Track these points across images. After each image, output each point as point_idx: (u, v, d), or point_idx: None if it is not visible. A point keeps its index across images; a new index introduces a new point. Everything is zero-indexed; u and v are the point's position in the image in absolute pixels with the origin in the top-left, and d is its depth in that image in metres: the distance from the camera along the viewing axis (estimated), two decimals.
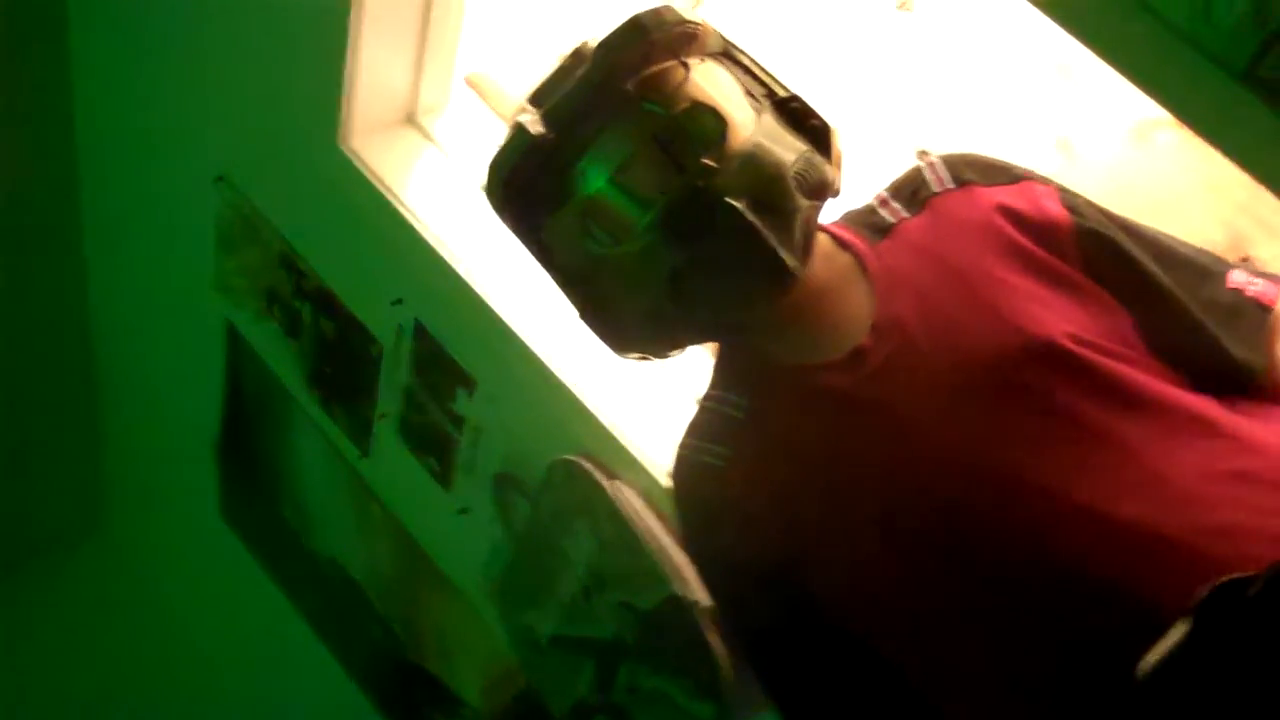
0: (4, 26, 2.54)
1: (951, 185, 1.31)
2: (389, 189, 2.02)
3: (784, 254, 1.18)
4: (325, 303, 2.35)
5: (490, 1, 2.08)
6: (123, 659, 3.63)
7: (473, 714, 2.60)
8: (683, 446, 1.35)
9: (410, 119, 2.10)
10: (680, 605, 1.76)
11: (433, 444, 2.26)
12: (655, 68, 1.20)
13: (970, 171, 1.31)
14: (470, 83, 2.13)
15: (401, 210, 2.00)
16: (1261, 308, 1.26)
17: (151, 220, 2.79)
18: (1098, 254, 1.25)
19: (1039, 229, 1.25)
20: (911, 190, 1.32)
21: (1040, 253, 1.24)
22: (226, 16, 2.19)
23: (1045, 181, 1.30)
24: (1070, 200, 1.28)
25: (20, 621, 3.63)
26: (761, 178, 1.18)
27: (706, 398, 1.35)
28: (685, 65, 1.21)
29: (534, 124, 1.20)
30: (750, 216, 1.16)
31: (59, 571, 3.73)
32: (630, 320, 1.27)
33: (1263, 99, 1.02)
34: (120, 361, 3.31)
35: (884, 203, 1.33)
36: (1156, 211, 1.38)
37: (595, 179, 1.18)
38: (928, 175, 1.32)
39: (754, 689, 1.47)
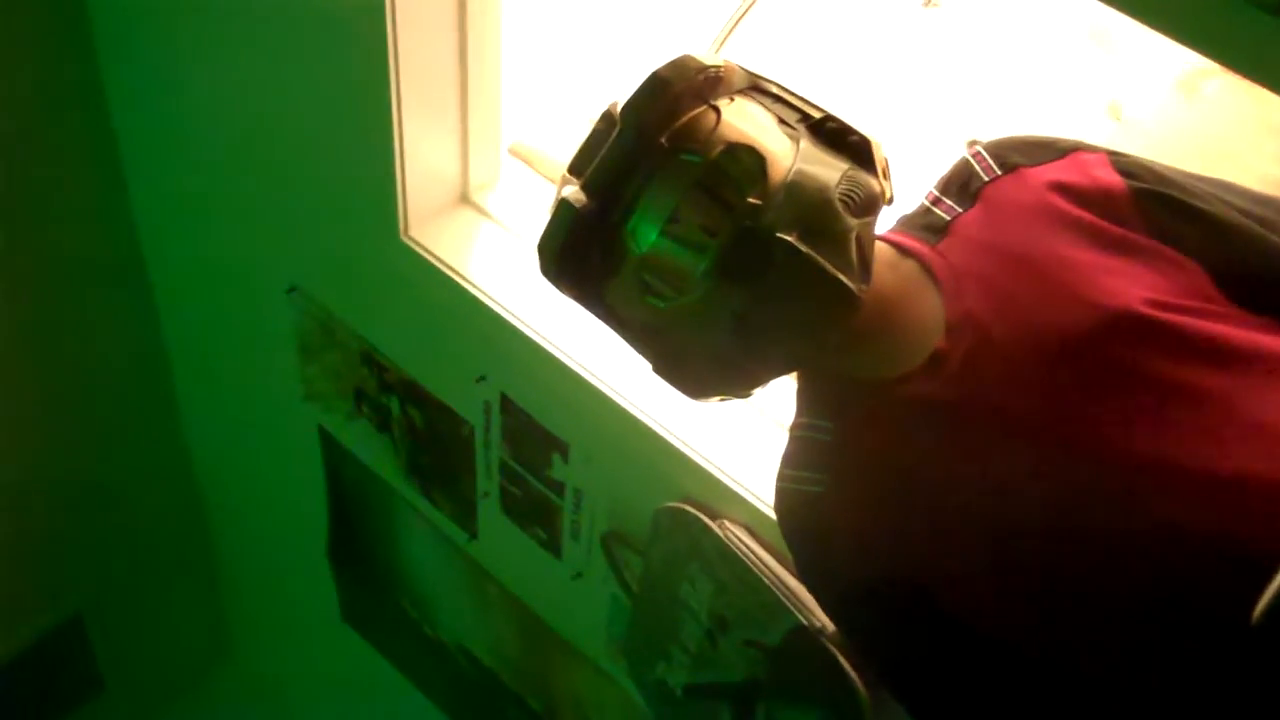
0: (59, 169, 2.62)
1: (999, 172, 1.30)
2: (455, 270, 2.04)
3: (843, 278, 1.17)
4: (411, 392, 2.38)
5: (526, 70, 2.11)
6: None
7: None
8: (780, 478, 1.34)
9: (464, 198, 2.13)
10: (807, 634, 1.74)
11: (537, 514, 2.27)
12: (685, 117, 1.20)
13: (1015, 154, 1.30)
14: (515, 153, 2.15)
15: (470, 289, 2.03)
16: None
17: (233, 341, 2.85)
18: (1159, 213, 1.23)
19: (1095, 199, 1.24)
20: (960, 184, 1.31)
21: (1101, 223, 1.22)
22: (273, 130, 2.24)
23: (1093, 150, 1.28)
24: (1122, 163, 1.26)
25: None
26: (808, 205, 1.17)
27: (795, 426, 1.35)
28: (715, 109, 1.20)
29: (575, 196, 1.20)
30: (803, 247, 1.15)
31: (196, 704, 3.79)
32: (704, 367, 1.26)
33: None
34: (224, 486, 3.37)
35: (936, 201, 1.32)
36: (1218, 159, 1.36)
37: (646, 236, 1.18)
38: (975, 166, 1.31)
39: (893, 708, 1.45)
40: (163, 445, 3.26)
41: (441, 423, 2.35)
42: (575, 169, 1.23)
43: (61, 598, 3.29)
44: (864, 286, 1.19)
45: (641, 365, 1.33)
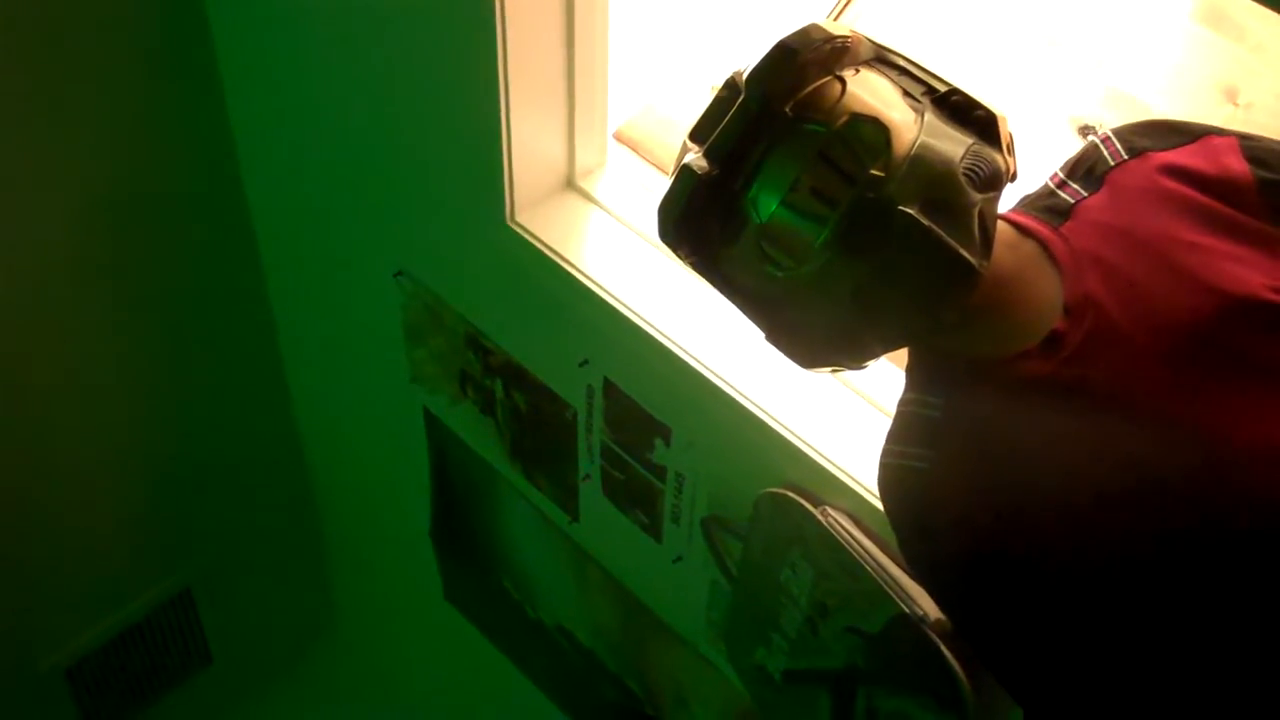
0: (174, 158, 2.68)
1: (1126, 156, 1.28)
2: (560, 255, 2.06)
3: (964, 253, 1.16)
4: (515, 376, 2.40)
5: (632, 55, 2.11)
6: None
7: None
8: (884, 454, 1.33)
9: (570, 184, 2.14)
10: (908, 622, 1.74)
11: (638, 498, 2.28)
12: (810, 87, 1.19)
13: (1144, 139, 1.29)
14: (621, 138, 2.16)
15: (576, 274, 2.04)
16: None
17: (341, 324, 2.89)
18: None
19: (1220, 185, 1.22)
20: (1087, 167, 1.30)
21: (1226, 209, 1.21)
22: (381, 115, 2.27)
23: (1224, 134, 1.26)
24: (1252, 149, 1.24)
25: None
26: (931, 178, 1.16)
27: (903, 402, 1.34)
28: (840, 79, 1.20)
29: (698, 161, 1.20)
30: (925, 220, 1.14)
31: (300, 679, 3.86)
32: (819, 337, 1.26)
33: None
34: (331, 465, 3.42)
35: (1061, 184, 1.31)
36: None
37: (767, 205, 1.18)
38: (1103, 150, 1.30)
39: (994, 696, 1.44)
40: (272, 425, 3.32)
41: (545, 406, 2.37)
42: (698, 136, 1.22)
43: (172, 572, 3.36)
44: (985, 262, 1.18)
45: (749, 347, 1.33)
